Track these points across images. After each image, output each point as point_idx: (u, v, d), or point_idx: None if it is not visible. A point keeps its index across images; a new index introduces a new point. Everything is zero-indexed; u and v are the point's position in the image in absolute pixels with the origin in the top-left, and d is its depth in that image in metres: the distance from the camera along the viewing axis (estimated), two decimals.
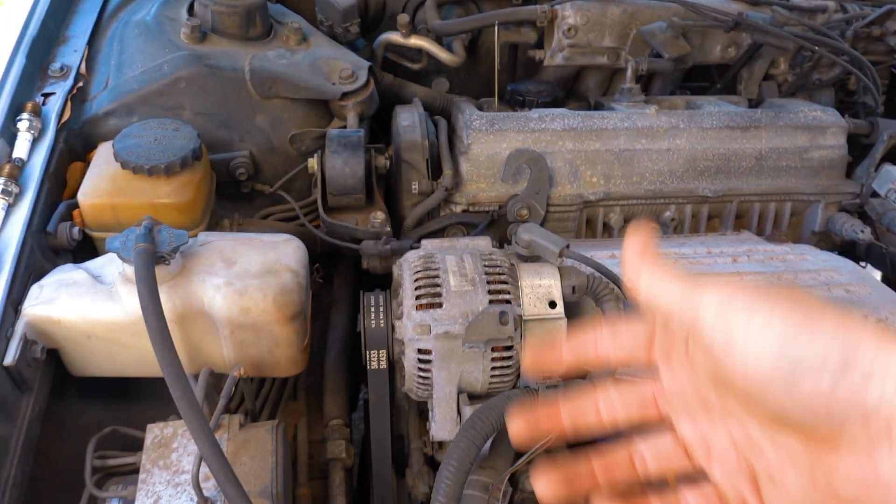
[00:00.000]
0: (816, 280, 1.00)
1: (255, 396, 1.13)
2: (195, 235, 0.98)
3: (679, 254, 1.10)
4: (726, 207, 1.28)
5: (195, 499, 0.86)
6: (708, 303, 0.40)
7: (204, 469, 0.88)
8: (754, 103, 1.47)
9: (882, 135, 1.27)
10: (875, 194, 1.26)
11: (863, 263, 1.40)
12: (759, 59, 1.45)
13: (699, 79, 1.69)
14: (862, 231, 1.21)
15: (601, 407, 0.49)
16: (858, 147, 1.35)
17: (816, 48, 1.33)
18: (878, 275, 1.38)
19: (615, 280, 0.96)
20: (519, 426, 0.49)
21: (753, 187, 1.27)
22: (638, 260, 0.46)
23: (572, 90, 1.57)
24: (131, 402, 1.10)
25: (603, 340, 0.48)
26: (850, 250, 1.38)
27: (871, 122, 1.33)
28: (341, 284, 1.36)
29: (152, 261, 0.84)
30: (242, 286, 0.90)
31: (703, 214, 1.28)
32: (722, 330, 0.39)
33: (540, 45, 1.47)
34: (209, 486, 0.88)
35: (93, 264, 0.95)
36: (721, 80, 1.53)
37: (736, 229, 1.29)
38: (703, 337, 0.40)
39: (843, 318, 0.36)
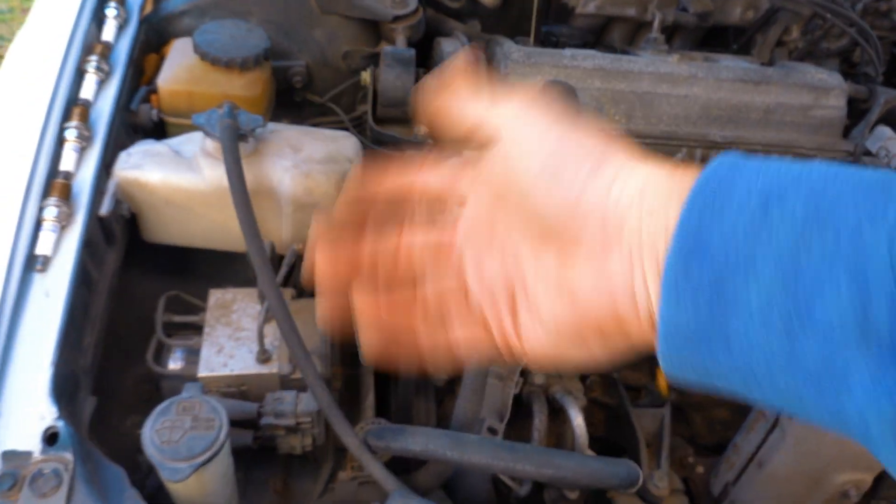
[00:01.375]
0: None
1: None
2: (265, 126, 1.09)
3: None
4: None
5: (254, 350, 0.99)
6: (506, 113, 0.40)
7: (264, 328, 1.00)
8: (767, 66, 1.59)
9: (879, 99, 1.40)
10: (867, 153, 1.39)
11: None
12: (774, 25, 1.56)
13: (716, 44, 1.81)
14: None
15: (402, 248, 0.44)
16: (856, 113, 1.48)
17: (829, 16, 1.44)
18: None
19: None
20: (322, 265, 0.43)
21: (759, 138, 1.40)
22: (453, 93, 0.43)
23: (599, 41, 1.68)
24: (186, 277, 1.22)
25: (427, 171, 0.45)
26: None
27: (870, 89, 1.45)
28: None
29: (236, 135, 0.95)
30: (308, 169, 1.01)
31: (711, 158, 1.40)
32: (510, 138, 0.39)
33: None
34: (266, 342, 1.01)
35: (172, 141, 1.06)
36: (737, 42, 1.64)
37: None
38: (497, 146, 0.40)
39: (595, 136, 0.38)
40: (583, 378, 1.44)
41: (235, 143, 0.94)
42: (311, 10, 1.29)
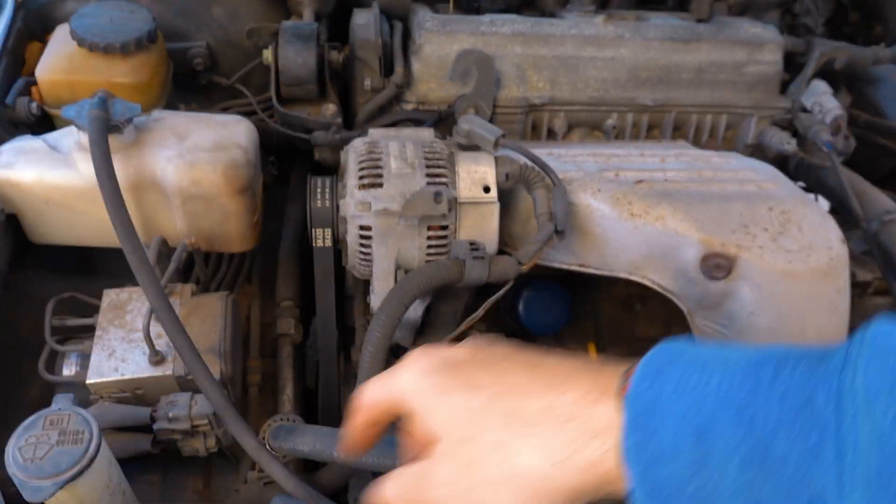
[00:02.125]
0: (734, 178, 1.08)
1: (211, 276, 1.20)
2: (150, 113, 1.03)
3: (611, 153, 1.17)
4: (665, 118, 1.35)
5: (147, 351, 0.94)
6: (405, 389, 0.51)
7: (156, 329, 0.95)
8: (703, 21, 1.52)
9: (815, 51, 1.34)
10: (804, 109, 1.33)
11: (800, 184, 1.48)
12: None
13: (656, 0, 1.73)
14: (788, 143, 1.29)
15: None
16: (796, 68, 1.42)
17: None
18: (824, 203, 1.44)
19: (546, 169, 1.03)
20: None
21: (692, 99, 1.34)
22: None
23: (529, 3, 1.60)
24: (88, 276, 1.17)
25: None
26: (783, 166, 1.46)
27: (808, 42, 1.39)
28: (296, 182, 1.41)
29: (105, 127, 0.89)
30: (193, 159, 0.95)
31: (643, 124, 1.35)
32: (420, 408, 0.49)
33: None
34: (161, 344, 0.96)
35: (50, 136, 0.99)
36: None
37: (673, 139, 1.37)
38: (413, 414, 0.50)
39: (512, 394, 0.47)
40: None
41: (104, 135, 0.88)
42: None
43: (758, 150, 1.40)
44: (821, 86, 1.29)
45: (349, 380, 1.26)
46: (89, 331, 1.03)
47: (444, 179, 1.01)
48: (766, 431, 0.33)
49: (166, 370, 0.93)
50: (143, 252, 0.85)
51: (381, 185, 0.99)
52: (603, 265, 1.05)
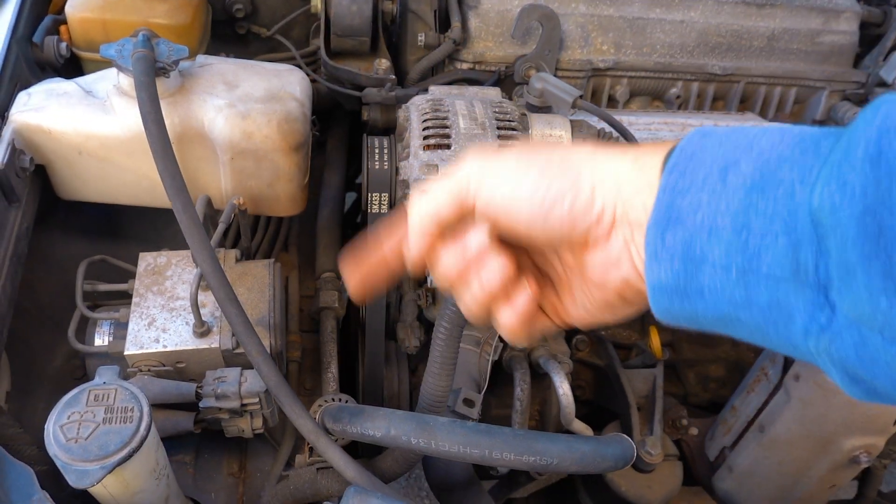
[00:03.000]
0: None
1: (250, 239, 1.11)
2: (193, 59, 0.93)
3: (685, 123, 1.08)
4: (732, 88, 1.27)
5: (191, 322, 0.85)
6: (472, 177, 0.48)
7: (201, 297, 0.87)
8: None
9: (895, 23, 1.25)
10: (881, 83, 1.25)
11: None
12: None
13: None
14: None
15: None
16: (868, 39, 1.33)
17: None
18: None
19: (626, 135, 0.95)
20: (352, 282, 0.53)
21: (762, 68, 1.25)
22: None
23: None
24: (117, 239, 1.08)
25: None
26: None
27: (885, 11, 1.30)
28: (335, 145, 1.32)
29: (153, 68, 0.79)
30: (245, 109, 0.86)
31: (708, 94, 1.26)
32: (487, 195, 0.47)
33: None
34: (205, 313, 0.87)
35: (83, 79, 0.90)
36: None
37: (739, 112, 1.28)
38: (481, 205, 0.48)
39: (567, 157, 0.46)
40: (569, 337, 1.33)
41: (152, 77, 0.78)
42: None
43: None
44: None
45: (390, 359, 1.18)
46: (121, 297, 0.94)
47: (516, 142, 0.92)
48: (773, 165, 0.37)
49: (212, 342, 0.85)
50: (195, 210, 0.76)
51: (448, 147, 0.90)
52: None
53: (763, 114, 1.30)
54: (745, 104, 1.30)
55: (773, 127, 0.40)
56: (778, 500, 1.12)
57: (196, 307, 0.82)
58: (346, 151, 1.32)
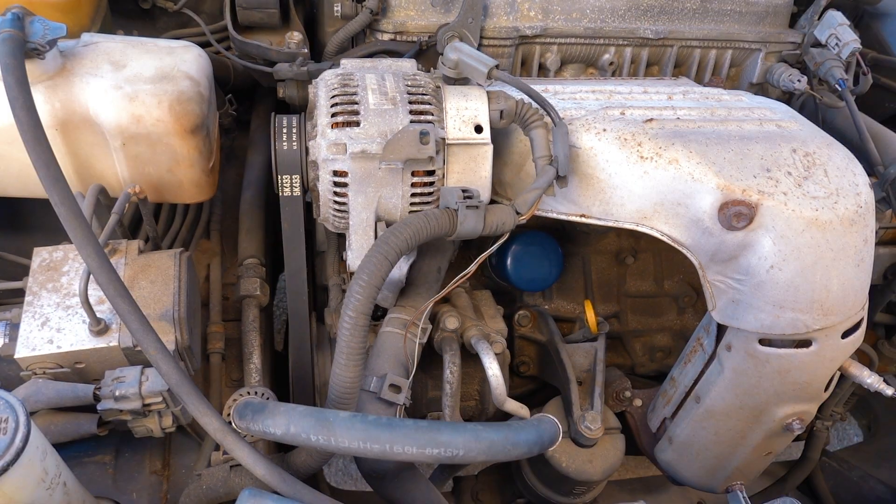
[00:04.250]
0: (749, 117, 0.98)
1: (163, 232, 1.05)
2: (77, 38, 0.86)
3: (613, 90, 1.05)
4: (666, 53, 1.23)
5: (87, 320, 0.80)
6: None
7: (100, 293, 0.82)
8: None
9: None
10: (816, 44, 1.22)
11: None
12: None
13: None
14: (798, 80, 1.18)
15: None
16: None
17: None
18: None
19: (545, 106, 0.91)
20: None
21: (696, 31, 1.22)
22: None
23: None
24: (17, 232, 1.02)
25: None
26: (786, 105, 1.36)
27: None
28: (259, 125, 1.26)
29: (21, 49, 0.73)
30: (133, 90, 0.80)
31: (642, 59, 1.23)
32: None
33: None
34: (104, 310, 0.82)
35: None
36: None
37: (673, 77, 1.25)
38: None
39: None
40: (512, 313, 1.31)
41: (20, 59, 0.72)
42: None
43: (762, 90, 1.30)
44: (837, 17, 1.18)
45: (322, 344, 1.15)
46: (18, 296, 0.89)
47: (430, 117, 0.88)
48: None
49: (111, 340, 0.80)
50: (74, 200, 0.71)
51: (357, 124, 0.86)
52: (607, 215, 0.94)
53: (699, 78, 1.27)
54: (679, 69, 1.27)
55: None
56: (716, 468, 1.12)
57: (87, 304, 0.77)
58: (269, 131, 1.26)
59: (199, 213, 1.12)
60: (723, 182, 0.86)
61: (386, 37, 1.12)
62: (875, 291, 1.27)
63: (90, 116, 0.80)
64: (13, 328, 0.85)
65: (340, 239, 1.09)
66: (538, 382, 1.38)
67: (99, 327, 0.80)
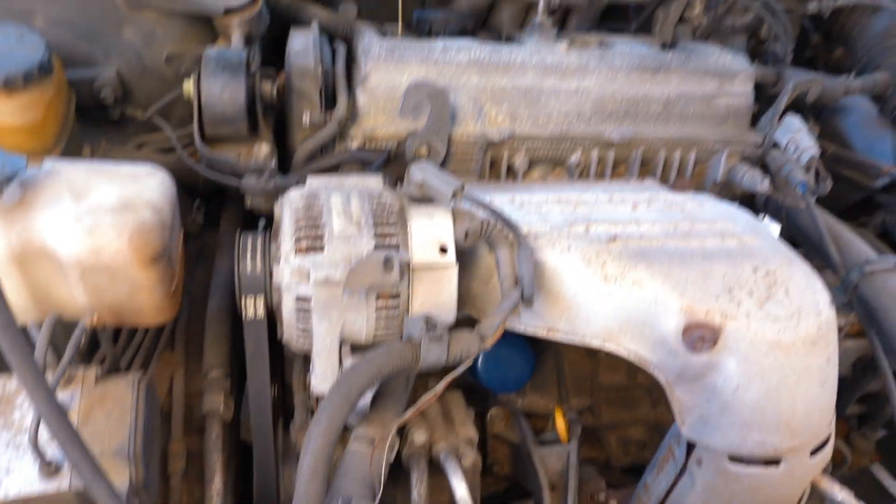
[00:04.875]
0: (711, 230, 0.99)
1: (124, 346, 1.03)
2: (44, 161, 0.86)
3: (579, 199, 1.06)
4: (632, 153, 1.25)
5: (39, 461, 0.78)
6: None
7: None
8: (668, 47, 1.43)
9: (787, 84, 1.26)
10: (776, 145, 1.25)
11: (762, 215, 1.42)
12: (675, 1, 1.40)
13: (616, 19, 1.64)
14: (761, 183, 1.21)
15: None
16: (765, 98, 1.34)
17: None
18: (776, 228, 1.39)
19: (509, 224, 0.91)
20: None
21: (660, 133, 1.24)
22: None
23: (486, 23, 1.48)
24: None
25: None
26: (750, 201, 1.38)
27: (779, 72, 1.32)
28: (227, 227, 1.25)
29: None
30: (93, 222, 0.80)
31: (608, 160, 1.25)
32: None
33: None
34: (55, 447, 0.80)
35: None
36: (637, 20, 1.48)
37: (641, 176, 1.27)
38: None
39: None
40: (483, 412, 1.29)
41: None
42: (115, 7, 1.05)
43: (726, 188, 1.32)
44: (795, 122, 1.21)
45: (287, 457, 1.12)
46: None
47: (394, 240, 0.88)
48: None
49: (62, 484, 0.77)
50: (24, 344, 0.69)
51: (321, 249, 0.85)
52: (573, 331, 0.94)
53: (664, 178, 1.29)
54: (646, 168, 1.29)
55: None
56: None
57: (37, 448, 0.75)
58: (238, 233, 1.26)
59: (162, 327, 1.11)
60: (686, 304, 0.87)
61: (355, 144, 1.13)
62: (844, 385, 1.28)
63: (48, 249, 0.79)
64: None
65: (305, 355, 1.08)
66: (513, 479, 1.35)
67: (50, 469, 0.77)
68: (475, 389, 1.33)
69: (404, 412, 0.96)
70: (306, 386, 1.07)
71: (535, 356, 1.26)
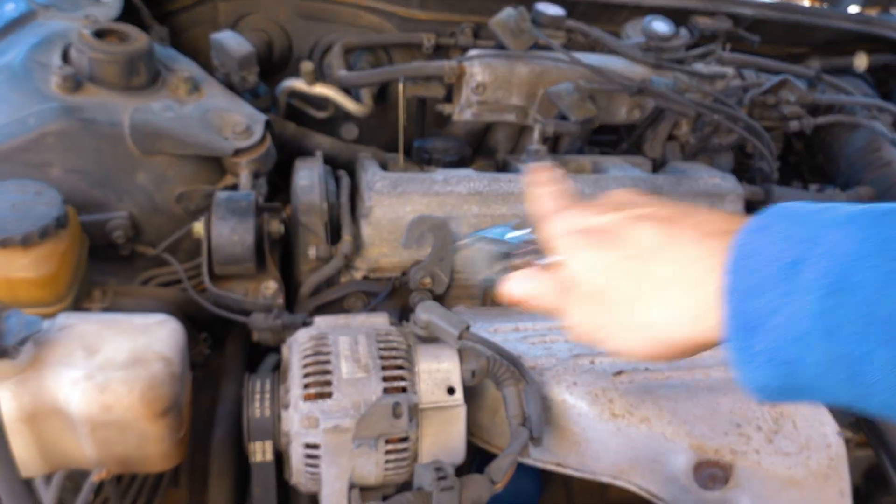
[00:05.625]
0: (715, 359, 1.00)
1: (127, 485, 1.02)
2: (55, 313, 0.87)
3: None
4: None
5: None
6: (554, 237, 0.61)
7: None
8: (658, 163, 1.49)
9: (775, 199, 1.30)
10: None
11: None
12: (663, 121, 1.47)
13: (607, 133, 1.71)
14: None
15: None
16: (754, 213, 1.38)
17: (715, 116, 1.36)
18: None
19: (516, 363, 0.92)
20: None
21: None
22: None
23: (482, 144, 1.55)
24: None
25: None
26: None
27: (766, 189, 1.36)
28: (233, 352, 1.26)
29: None
30: (104, 380, 0.80)
31: None
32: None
33: (449, 99, 1.44)
34: None
35: None
36: (628, 139, 1.55)
37: None
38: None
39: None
40: None
41: None
42: (129, 154, 1.09)
43: None
44: None
45: None
46: None
47: (402, 383, 0.88)
48: (847, 263, 0.38)
49: None
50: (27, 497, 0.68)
51: (330, 395, 0.86)
52: (583, 467, 0.93)
53: None
54: None
55: (834, 212, 0.42)
56: None
57: None
58: (244, 359, 1.26)
59: None
60: (695, 442, 0.87)
61: (359, 274, 1.15)
62: (859, 496, 1.26)
63: (60, 407, 0.79)
64: None
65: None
66: None
67: None
68: None
69: None
70: None
71: (544, 478, 1.25)
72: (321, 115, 1.52)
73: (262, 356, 1.20)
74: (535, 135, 1.31)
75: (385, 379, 0.88)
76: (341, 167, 1.34)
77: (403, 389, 0.88)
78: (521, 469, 1.23)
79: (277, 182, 1.41)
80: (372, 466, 0.88)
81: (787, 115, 1.46)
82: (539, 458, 0.96)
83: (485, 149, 1.54)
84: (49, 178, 1.03)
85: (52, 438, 0.84)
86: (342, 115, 1.58)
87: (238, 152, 1.15)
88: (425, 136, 1.53)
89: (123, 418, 0.81)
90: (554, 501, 1.36)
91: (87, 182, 1.07)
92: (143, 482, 1.05)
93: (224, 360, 1.26)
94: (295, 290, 1.16)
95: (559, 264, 0.60)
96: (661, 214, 0.55)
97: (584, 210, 0.62)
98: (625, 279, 0.53)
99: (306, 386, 0.87)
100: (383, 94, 1.57)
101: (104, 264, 1.13)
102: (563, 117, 1.35)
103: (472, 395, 0.95)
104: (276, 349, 1.16)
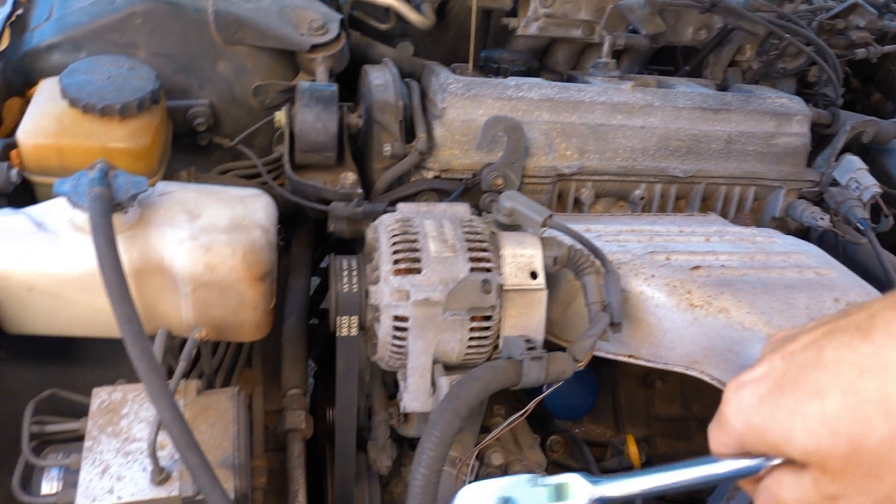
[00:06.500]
0: (787, 262, 1.02)
1: (213, 367, 1.06)
2: (153, 185, 0.90)
3: (652, 231, 1.09)
4: (694, 189, 1.29)
5: (149, 468, 0.80)
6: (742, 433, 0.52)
7: (159, 437, 0.81)
8: (719, 89, 1.49)
9: (844, 125, 1.31)
10: (834, 183, 1.29)
11: None
12: (728, 45, 1.46)
13: (664, 63, 1.70)
14: (822, 218, 1.24)
15: None
16: (817, 137, 1.39)
17: (787, 35, 1.35)
18: None
19: (596, 252, 0.94)
20: None
21: (721, 170, 1.28)
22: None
23: (541, 64, 1.54)
24: (70, 365, 1.01)
25: None
26: (803, 238, 1.41)
27: (833, 113, 1.36)
28: (300, 249, 1.29)
29: (109, 207, 0.76)
30: (209, 241, 0.83)
31: (671, 194, 1.28)
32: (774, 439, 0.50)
33: (514, 13, 1.43)
34: (164, 456, 0.82)
35: (34, 210, 0.86)
36: (688, 63, 1.54)
37: (702, 211, 1.31)
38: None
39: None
40: (543, 439, 1.30)
41: (109, 219, 0.75)
42: (212, 41, 1.10)
43: (782, 223, 1.36)
44: (855, 161, 1.25)
45: (361, 476, 1.13)
46: (75, 437, 0.88)
47: (488, 264, 0.91)
48: None
49: (172, 490, 0.79)
50: (154, 358, 0.72)
51: (419, 271, 0.88)
52: (656, 357, 0.96)
53: (724, 212, 1.32)
54: (706, 203, 1.33)
55: None
56: None
57: (154, 456, 0.77)
58: (311, 255, 1.29)
59: (241, 343, 1.13)
60: (773, 332, 0.89)
61: (431, 174, 1.17)
62: None
63: (165, 265, 0.82)
64: (69, 473, 0.83)
65: (385, 374, 1.10)
66: None
67: (161, 476, 0.79)
68: (532, 415, 1.34)
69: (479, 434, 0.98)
70: (386, 406, 1.09)
71: (599, 389, 1.28)
72: (383, 26, 1.51)
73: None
74: (605, 48, 1.31)
75: (472, 259, 0.90)
76: (404, 78, 1.35)
77: (488, 270, 0.90)
78: (579, 379, 1.27)
79: (341, 90, 1.42)
80: (456, 343, 0.90)
81: (855, 41, 1.44)
82: (612, 351, 0.99)
83: (544, 69, 1.54)
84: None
85: (153, 299, 0.87)
86: (398, 33, 1.57)
87: (314, 48, 1.16)
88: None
89: (225, 279, 0.84)
90: (601, 414, 1.40)
91: (171, 67, 1.08)
92: (221, 362, 1.09)
93: (292, 257, 1.29)
94: (368, 188, 1.18)
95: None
96: (832, 336, 0.50)
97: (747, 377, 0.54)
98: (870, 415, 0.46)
99: (396, 262, 0.89)
100: (442, 11, 1.57)
101: (182, 153, 1.15)
102: (632, 33, 1.35)
103: (549, 285, 0.97)
104: (348, 242, 1.19)
